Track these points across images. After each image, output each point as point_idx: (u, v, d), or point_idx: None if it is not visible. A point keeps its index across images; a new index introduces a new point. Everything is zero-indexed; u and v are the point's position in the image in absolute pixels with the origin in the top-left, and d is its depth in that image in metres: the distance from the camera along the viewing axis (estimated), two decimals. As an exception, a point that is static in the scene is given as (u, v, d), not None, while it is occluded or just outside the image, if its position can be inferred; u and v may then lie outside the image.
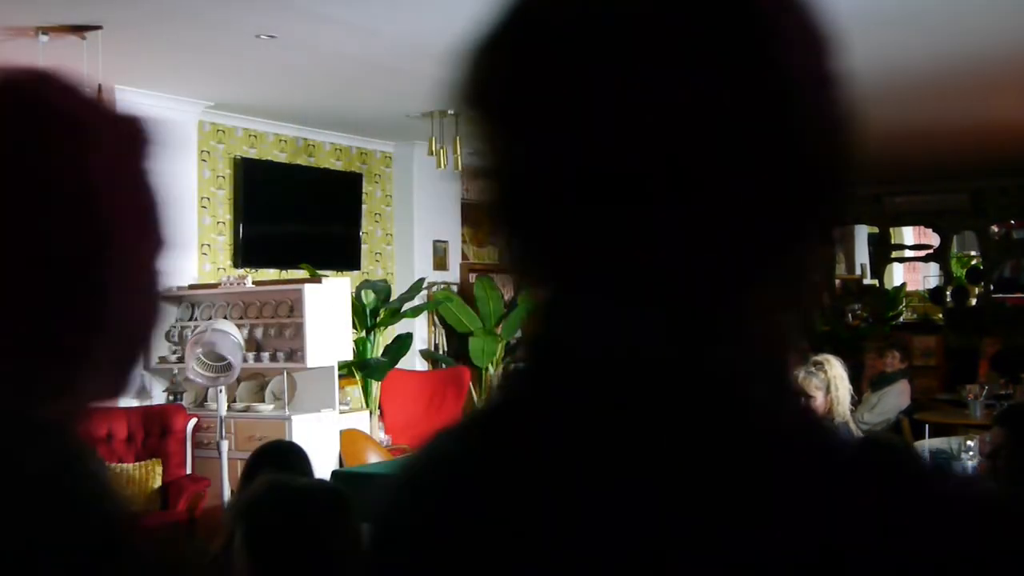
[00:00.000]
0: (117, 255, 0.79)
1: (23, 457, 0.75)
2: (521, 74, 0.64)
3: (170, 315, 7.13)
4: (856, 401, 5.02)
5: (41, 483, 0.75)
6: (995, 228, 11.32)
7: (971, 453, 4.69)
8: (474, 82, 0.66)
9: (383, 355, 8.09)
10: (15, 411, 0.77)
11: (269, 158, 8.21)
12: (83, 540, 0.74)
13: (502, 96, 0.65)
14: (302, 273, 7.58)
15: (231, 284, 6.94)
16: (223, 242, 7.82)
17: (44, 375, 0.78)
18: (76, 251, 0.77)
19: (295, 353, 6.73)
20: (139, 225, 0.81)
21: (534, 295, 0.67)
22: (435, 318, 9.01)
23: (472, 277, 9.20)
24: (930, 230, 12.90)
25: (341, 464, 6.76)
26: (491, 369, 8.91)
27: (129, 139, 0.82)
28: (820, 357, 4.78)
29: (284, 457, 3.21)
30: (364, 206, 8.90)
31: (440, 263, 9.16)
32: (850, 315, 12.75)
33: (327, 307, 6.76)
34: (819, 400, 4.58)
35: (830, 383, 4.56)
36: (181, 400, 6.97)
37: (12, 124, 0.77)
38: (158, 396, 7.03)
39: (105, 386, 0.83)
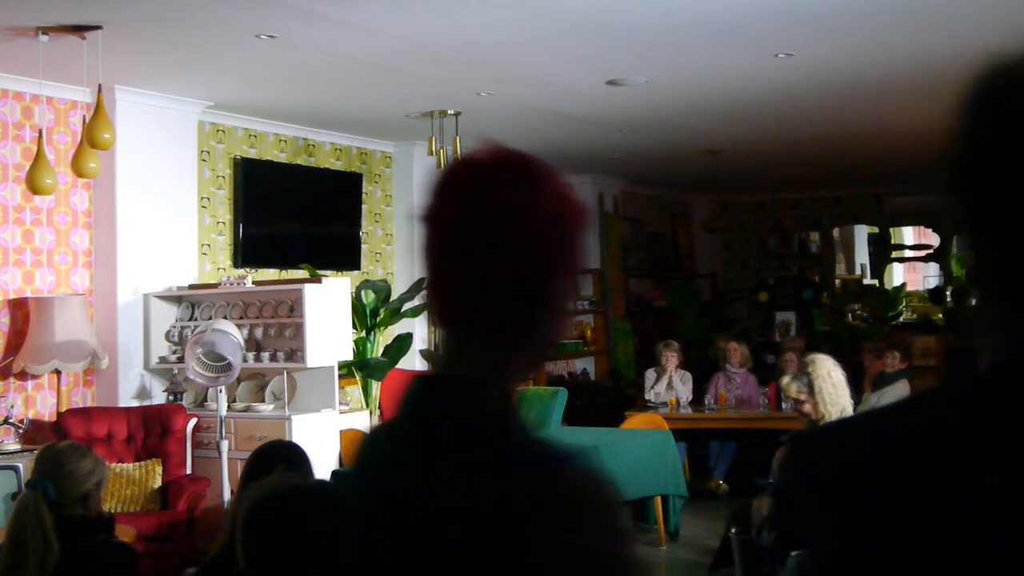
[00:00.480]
0: (555, 284, 1.21)
1: (480, 401, 1.18)
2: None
3: (170, 315, 7.13)
4: (857, 401, 4.96)
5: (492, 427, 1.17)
6: (995, 228, 11.30)
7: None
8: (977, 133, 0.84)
9: (383, 355, 8.09)
10: (480, 376, 1.20)
11: (269, 158, 8.21)
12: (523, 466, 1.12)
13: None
14: (302, 273, 7.57)
15: (231, 284, 6.94)
16: (223, 242, 7.82)
17: (502, 352, 1.21)
18: (534, 276, 1.18)
19: (295, 353, 6.73)
20: (570, 271, 1.22)
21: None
22: (435, 318, 9.01)
23: (472, 277, 9.20)
24: (930, 230, 12.90)
25: (341, 464, 6.76)
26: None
27: (579, 216, 1.22)
28: (808, 357, 4.70)
29: (284, 457, 3.21)
30: (364, 206, 8.90)
31: (440, 263, 9.15)
32: (850, 315, 12.75)
33: (327, 307, 6.76)
34: (807, 403, 4.47)
35: (813, 384, 4.42)
36: (181, 400, 6.97)
37: (517, 190, 1.18)
38: (158, 396, 7.02)
39: (531, 364, 1.28)
